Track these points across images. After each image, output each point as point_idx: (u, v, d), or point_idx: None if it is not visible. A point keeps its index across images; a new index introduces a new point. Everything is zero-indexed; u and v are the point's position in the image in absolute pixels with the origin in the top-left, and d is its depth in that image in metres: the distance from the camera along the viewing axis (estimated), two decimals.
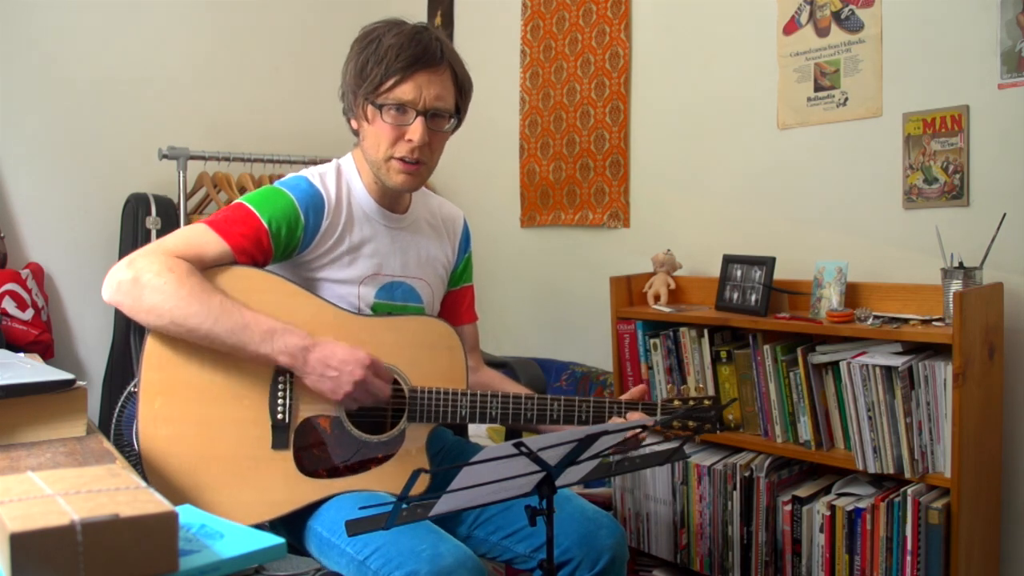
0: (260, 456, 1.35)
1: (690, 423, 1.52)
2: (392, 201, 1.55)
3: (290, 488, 1.35)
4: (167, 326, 1.29)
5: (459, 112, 1.50)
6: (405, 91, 1.41)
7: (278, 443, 1.35)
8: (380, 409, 1.43)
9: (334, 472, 1.38)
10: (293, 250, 1.43)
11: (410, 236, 1.58)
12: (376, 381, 1.34)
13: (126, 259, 1.32)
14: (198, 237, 1.35)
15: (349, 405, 1.36)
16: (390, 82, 1.40)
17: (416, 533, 1.27)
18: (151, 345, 1.32)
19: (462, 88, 1.49)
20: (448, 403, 1.42)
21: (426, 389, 1.42)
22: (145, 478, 1.30)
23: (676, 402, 1.53)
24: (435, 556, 1.23)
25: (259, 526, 1.36)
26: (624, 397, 1.52)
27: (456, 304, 1.69)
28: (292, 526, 1.43)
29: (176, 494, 1.28)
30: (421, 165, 1.46)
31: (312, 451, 1.38)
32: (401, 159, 1.44)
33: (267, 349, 1.30)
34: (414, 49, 1.40)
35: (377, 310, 1.50)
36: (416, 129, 1.42)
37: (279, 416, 1.35)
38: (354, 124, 1.51)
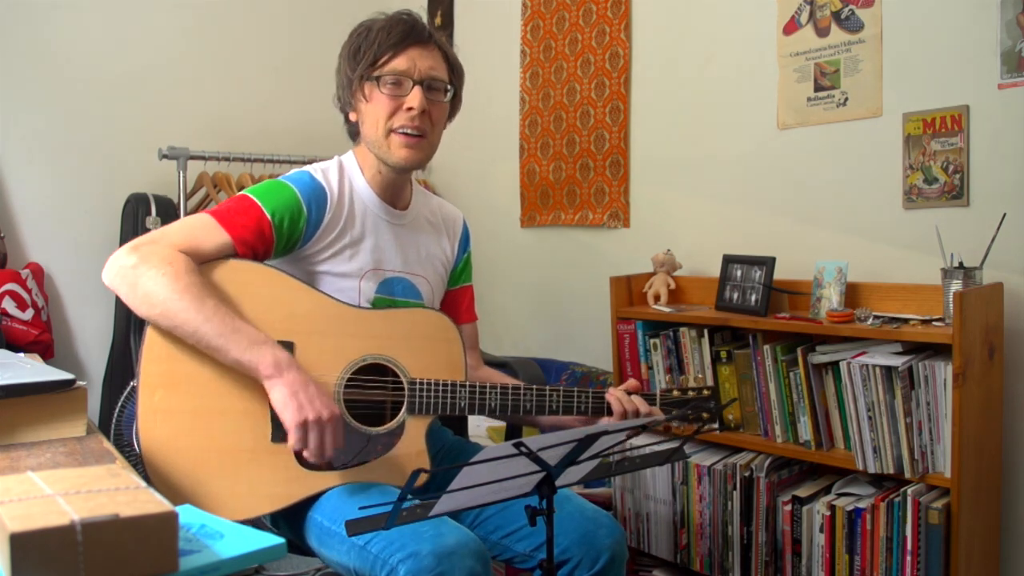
0: (260, 449, 1.35)
1: (689, 414, 1.52)
2: (393, 196, 1.55)
3: (290, 481, 1.36)
4: (157, 317, 1.29)
5: (454, 87, 1.52)
6: (400, 63, 1.45)
7: (278, 436, 1.35)
8: (379, 400, 1.44)
9: (334, 463, 1.38)
10: (295, 243, 1.44)
11: (411, 233, 1.58)
12: (332, 434, 1.29)
13: (130, 244, 1.33)
14: (201, 227, 1.36)
15: (296, 442, 1.29)
16: (384, 57, 1.45)
17: None
18: (151, 337, 1.33)
19: (453, 66, 1.53)
20: (447, 394, 1.43)
21: (425, 380, 1.42)
22: (145, 472, 1.31)
23: (675, 392, 1.53)
24: (437, 536, 1.24)
25: (259, 519, 1.36)
26: (620, 388, 1.51)
27: (455, 303, 1.70)
28: (291, 518, 1.43)
29: (176, 487, 1.29)
30: (422, 138, 1.48)
31: None
32: (402, 130, 1.46)
33: (250, 355, 1.28)
34: (403, 27, 1.47)
35: (377, 305, 1.51)
36: (415, 96, 1.45)
37: None
38: (353, 116, 1.53)
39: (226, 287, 1.34)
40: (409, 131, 1.46)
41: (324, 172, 1.50)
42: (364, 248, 1.50)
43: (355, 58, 1.47)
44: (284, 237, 1.41)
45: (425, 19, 1.55)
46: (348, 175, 1.53)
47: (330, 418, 1.29)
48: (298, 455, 1.36)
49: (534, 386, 1.47)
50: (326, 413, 1.28)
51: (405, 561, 1.22)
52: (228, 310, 1.30)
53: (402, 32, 1.45)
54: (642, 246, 2.61)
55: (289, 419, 1.28)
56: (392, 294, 1.54)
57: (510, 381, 1.62)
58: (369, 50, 1.45)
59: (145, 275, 1.28)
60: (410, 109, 1.45)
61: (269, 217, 1.39)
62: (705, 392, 1.54)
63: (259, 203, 1.39)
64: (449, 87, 1.51)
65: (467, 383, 1.44)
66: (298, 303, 1.39)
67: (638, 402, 1.48)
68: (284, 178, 1.46)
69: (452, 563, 1.22)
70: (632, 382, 1.53)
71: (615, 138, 2.72)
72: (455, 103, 1.56)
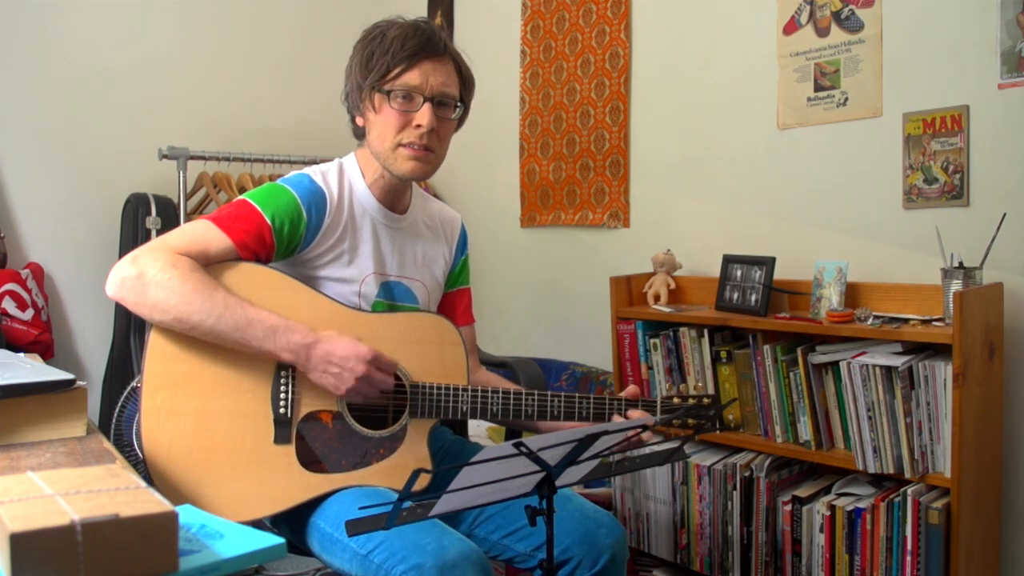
0: (262, 451, 1.35)
1: (689, 421, 1.52)
2: (393, 200, 1.55)
3: (291, 483, 1.36)
4: (171, 322, 1.29)
5: (463, 102, 1.51)
6: (412, 77, 1.43)
7: (280, 438, 1.35)
8: (382, 404, 1.44)
9: (336, 467, 1.38)
10: (296, 247, 1.44)
11: (408, 237, 1.58)
12: (378, 375, 1.35)
13: (130, 255, 1.32)
14: (201, 233, 1.36)
15: (353, 399, 1.37)
16: (397, 70, 1.43)
17: (420, 527, 1.27)
18: (155, 339, 1.33)
19: (465, 80, 1.52)
20: (449, 398, 1.43)
21: (427, 384, 1.42)
22: (147, 472, 1.31)
23: (675, 399, 1.53)
24: (439, 549, 1.24)
25: (260, 521, 1.36)
26: (622, 395, 1.52)
27: (453, 306, 1.70)
28: (293, 522, 1.43)
29: (177, 489, 1.29)
30: (430, 152, 1.47)
31: (314, 446, 1.38)
32: (409, 145, 1.45)
33: (270, 346, 1.31)
34: (419, 38, 1.44)
35: (377, 309, 1.51)
36: (424, 114, 1.44)
37: (281, 411, 1.36)
38: (359, 121, 1.52)
39: (232, 290, 1.34)
40: (416, 146, 1.45)
41: (324, 175, 1.49)
42: (363, 252, 1.50)
43: (367, 66, 1.45)
44: (285, 241, 1.41)
45: (425, 16, 1.54)
46: (348, 178, 1.52)
47: (366, 370, 1.32)
48: (299, 453, 1.36)
49: (535, 391, 1.47)
50: (360, 368, 1.32)
51: (408, 573, 1.22)
52: (238, 301, 1.31)
53: (417, 44, 1.43)
54: (642, 246, 2.61)
55: (336, 394, 1.35)
56: (391, 298, 1.54)
57: (511, 385, 1.62)
58: (382, 59, 1.43)
59: (151, 283, 1.28)
60: (419, 126, 1.44)
61: (269, 222, 1.38)
62: (705, 400, 1.54)
63: (259, 208, 1.39)
64: (459, 104, 1.50)
65: (469, 387, 1.44)
66: (301, 306, 1.39)
67: (636, 417, 1.48)
68: (283, 181, 1.46)
69: (455, 575, 1.22)
70: (631, 388, 1.53)
71: (615, 138, 2.72)
72: (464, 115, 1.55)
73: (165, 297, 1.27)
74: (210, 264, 1.35)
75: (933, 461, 1.76)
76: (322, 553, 1.39)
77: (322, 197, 1.45)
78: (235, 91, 3.16)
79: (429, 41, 1.44)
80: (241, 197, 1.43)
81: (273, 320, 1.31)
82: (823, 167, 2.22)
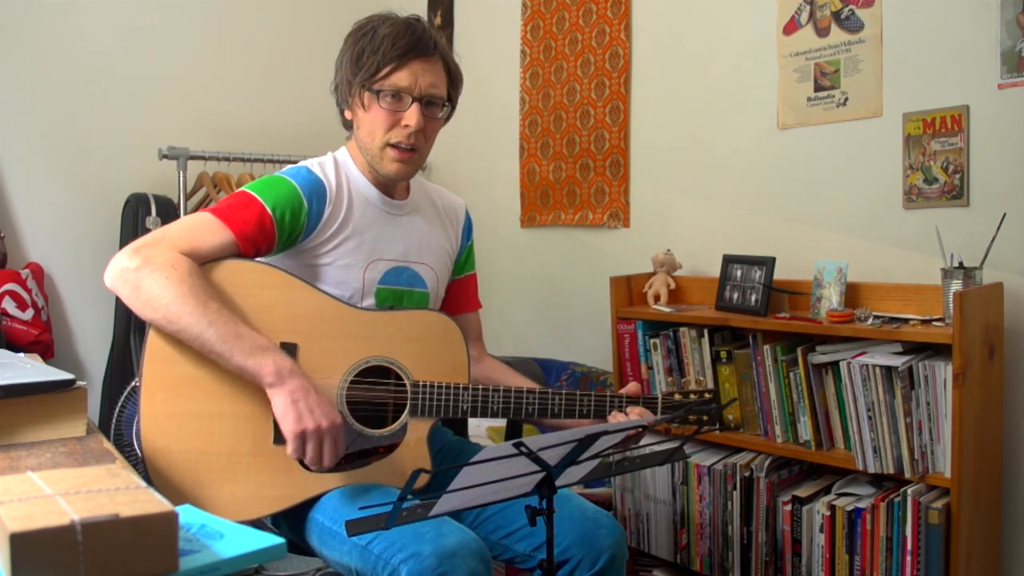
0: (262, 451, 1.35)
1: (690, 417, 1.52)
2: (390, 188, 1.57)
3: (292, 482, 1.36)
4: (160, 320, 1.28)
5: (451, 101, 1.53)
6: (401, 78, 1.44)
7: (279, 438, 1.35)
8: (382, 402, 1.44)
9: (335, 466, 1.38)
10: (297, 237, 1.44)
11: (411, 222, 1.59)
12: (331, 442, 1.29)
13: (132, 246, 1.32)
14: (203, 226, 1.36)
15: (294, 451, 1.28)
16: (386, 69, 1.44)
17: None
18: (153, 340, 1.33)
19: (454, 79, 1.53)
20: (450, 397, 1.43)
21: (428, 383, 1.42)
22: (147, 474, 1.31)
23: (676, 395, 1.54)
24: (438, 538, 1.24)
25: (260, 520, 1.36)
26: (622, 392, 1.52)
27: (460, 292, 1.71)
28: (293, 518, 1.43)
29: (178, 490, 1.29)
30: (415, 153, 1.49)
31: None
32: (396, 146, 1.47)
33: (252, 362, 1.28)
34: (409, 38, 1.44)
35: (381, 295, 1.51)
36: (412, 115, 1.45)
37: None
38: (348, 115, 1.54)
39: (228, 289, 1.34)
40: (403, 146, 1.47)
41: (321, 166, 1.51)
42: (366, 239, 1.51)
43: (357, 63, 1.46)
44: (286, 231, 1.42)
45: (424, 16, 1.55)
46: (344, 168, 1.54)
47: (329, 427, 1.28)
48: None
49: (537, 389, 1.48)
50: (325, 422, 1.28)
51: (407, 562, 1.22)
52: (231, 315, 1.30)
53: (407, 44, 1.43)
54: (642, 246, 2.61)
55: (288, 428, 1.27)
56: (397, 283, 1.54)
57: (513, 379, 1.62)
58: (372, 58, 1.44)
59: (148, 278, 1.28)
60: (407, 126, 1.45)
61: (270, 212, 1.39)
62: (706, 395, 1.54)
63: (259, 198, 1.40)
64: (446, 103, 1.51)
65: (470, 386, 1.44)
66: (301, 304, 1.39)
67: (636, 415, 1.48)
68: (282, 173, 1.47)
69: (454, 564, 1.22)
70: (632, 386, 1.53)
71: (615, 138, 2.72)
72: (453, 107, 1.56)
73: (159, 295, 1.27)
74: (212, 257, 1.35)
75: (933, 461, 1.76)
76: (321, 548, 1.39)
77: (322, 187, 1.47)
78: (235, 91, 3.16)
79: (419, 41, 1.45)
80: (241, 189, 1.44)
81: (263, 341, 1.30)
82: (823, 167, 2.22)
